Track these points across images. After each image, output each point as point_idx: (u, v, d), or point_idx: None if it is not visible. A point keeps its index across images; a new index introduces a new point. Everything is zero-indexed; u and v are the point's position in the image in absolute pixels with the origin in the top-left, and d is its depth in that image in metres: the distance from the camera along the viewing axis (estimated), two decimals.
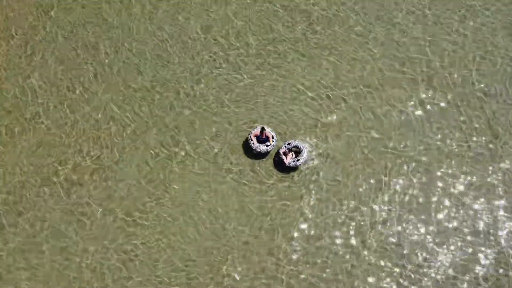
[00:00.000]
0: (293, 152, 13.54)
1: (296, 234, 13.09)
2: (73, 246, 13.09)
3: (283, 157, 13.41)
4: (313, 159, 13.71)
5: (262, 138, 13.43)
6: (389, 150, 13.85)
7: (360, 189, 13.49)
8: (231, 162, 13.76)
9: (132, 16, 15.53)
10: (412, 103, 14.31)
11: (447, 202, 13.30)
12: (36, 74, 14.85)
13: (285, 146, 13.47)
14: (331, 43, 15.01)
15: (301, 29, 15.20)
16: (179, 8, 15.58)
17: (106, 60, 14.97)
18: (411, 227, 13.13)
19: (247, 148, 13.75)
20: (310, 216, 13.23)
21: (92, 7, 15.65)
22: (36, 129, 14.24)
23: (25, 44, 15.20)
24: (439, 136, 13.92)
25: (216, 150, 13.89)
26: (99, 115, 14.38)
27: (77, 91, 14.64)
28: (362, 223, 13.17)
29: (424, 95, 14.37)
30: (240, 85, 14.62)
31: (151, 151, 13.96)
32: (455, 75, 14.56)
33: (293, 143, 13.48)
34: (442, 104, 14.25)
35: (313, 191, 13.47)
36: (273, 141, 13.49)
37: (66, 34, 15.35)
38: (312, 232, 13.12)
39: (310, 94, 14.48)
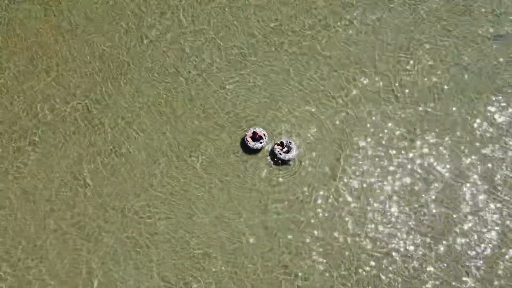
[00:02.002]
0: (286, 147, 16.04)
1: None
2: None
3: (276, 145, 16.12)
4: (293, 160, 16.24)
5: (256, 138, 16.19)
6: None
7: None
8: (233, 159, 16.48)
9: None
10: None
11: None
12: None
13: (285, 140, 16.08)
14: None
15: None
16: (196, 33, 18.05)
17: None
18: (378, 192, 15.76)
19: (244, 146, 16.43)
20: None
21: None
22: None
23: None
24: None
25: (217, 150, 16.53)
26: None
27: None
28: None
29: None
30: (231, 90, 17.14)
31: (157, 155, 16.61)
32: None
33: (292, 142, 16.01)
34: None
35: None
36: (265, 137, 16.24)
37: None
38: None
39: (298, 94, 17.01)
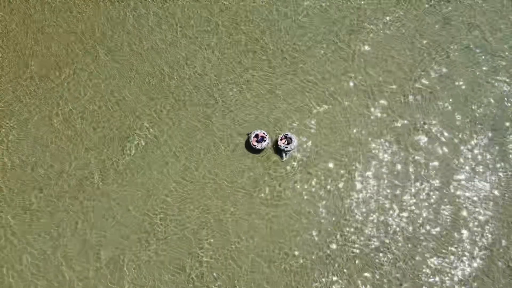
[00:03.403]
0: (286, 140, 17.28)
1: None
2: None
3: (278, 138, 17.28)
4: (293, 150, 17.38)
5: (259, 139, 17.42)
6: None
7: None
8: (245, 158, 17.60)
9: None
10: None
11: None
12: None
13: (284, 135, 17.27)
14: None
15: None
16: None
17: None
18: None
19: (249, 147, 17.58)
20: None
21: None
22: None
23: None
24: None
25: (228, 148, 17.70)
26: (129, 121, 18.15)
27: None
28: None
29: None
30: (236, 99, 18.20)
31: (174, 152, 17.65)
32: None
33: (290, 135, 17.26)
34: None
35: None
36: (266, 136, 17.45)
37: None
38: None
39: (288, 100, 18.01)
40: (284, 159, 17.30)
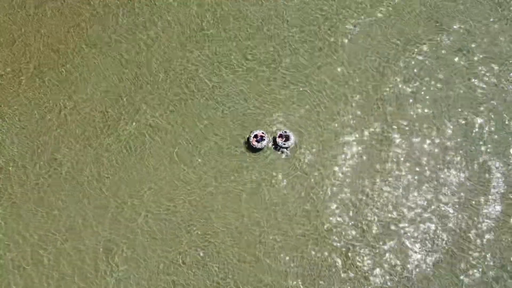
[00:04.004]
0: (284, 137, 18.14)
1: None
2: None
3: (276, 136, 18.15)
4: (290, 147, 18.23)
5: (259, 138, 18.21)
6: None
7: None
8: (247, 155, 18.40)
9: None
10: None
11: None
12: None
13: (282, 132, 18.11)
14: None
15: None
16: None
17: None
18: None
19: (249, 146, 18.28)
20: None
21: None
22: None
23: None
24: None
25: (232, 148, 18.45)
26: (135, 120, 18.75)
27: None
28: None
29: None
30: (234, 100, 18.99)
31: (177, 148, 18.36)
32: None
33: (288, 132, 18.15)
34: None
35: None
36: (265, 135, 18.24)
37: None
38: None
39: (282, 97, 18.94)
40: (284, 156, 18.09)
